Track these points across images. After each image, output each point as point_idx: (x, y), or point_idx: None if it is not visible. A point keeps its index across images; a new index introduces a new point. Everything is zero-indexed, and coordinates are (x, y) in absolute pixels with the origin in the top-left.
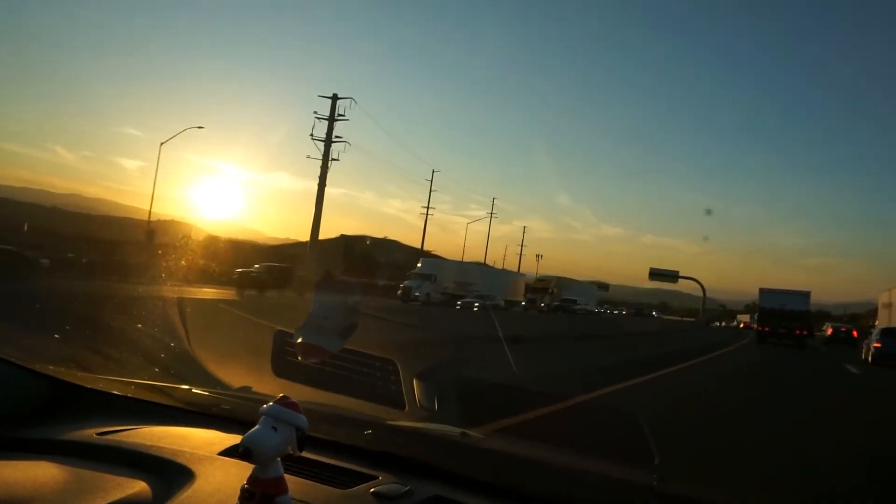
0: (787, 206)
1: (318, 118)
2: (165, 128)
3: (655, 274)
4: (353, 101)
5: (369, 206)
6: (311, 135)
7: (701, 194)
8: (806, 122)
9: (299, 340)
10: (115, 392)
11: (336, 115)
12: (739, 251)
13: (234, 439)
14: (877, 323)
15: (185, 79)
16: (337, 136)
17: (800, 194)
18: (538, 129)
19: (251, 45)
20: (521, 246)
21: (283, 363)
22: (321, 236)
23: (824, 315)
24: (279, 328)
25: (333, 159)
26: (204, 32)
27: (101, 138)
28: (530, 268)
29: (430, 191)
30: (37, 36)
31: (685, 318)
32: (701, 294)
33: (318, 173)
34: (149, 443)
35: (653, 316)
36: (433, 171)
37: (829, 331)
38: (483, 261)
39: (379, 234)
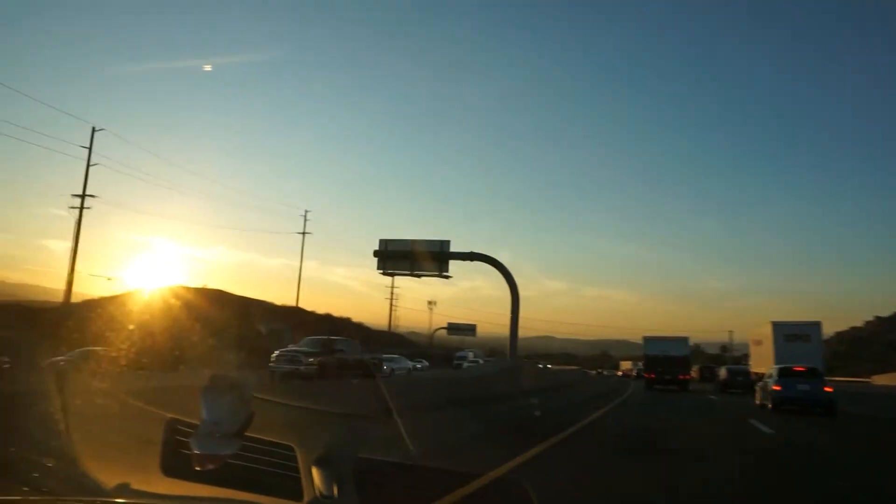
0: (712, 252)
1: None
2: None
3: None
4: None
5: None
6: None
7: (637, 245)
8: (724, 173)
9: (195, 451)
10: None
11: None
12: (673, 298)
13: None
14: (750, 363)
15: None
16: None
17: (723, 240)
18: (477, 187)
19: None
20: (391, 298)
21: (174, 458)
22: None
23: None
24: (171, 416)
25: None
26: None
27: (23, 221)
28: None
29: (303, 237)
30: None
31: (566, 367)
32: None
33: None
34: None
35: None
36: (305, 212)
37: (724, 374)
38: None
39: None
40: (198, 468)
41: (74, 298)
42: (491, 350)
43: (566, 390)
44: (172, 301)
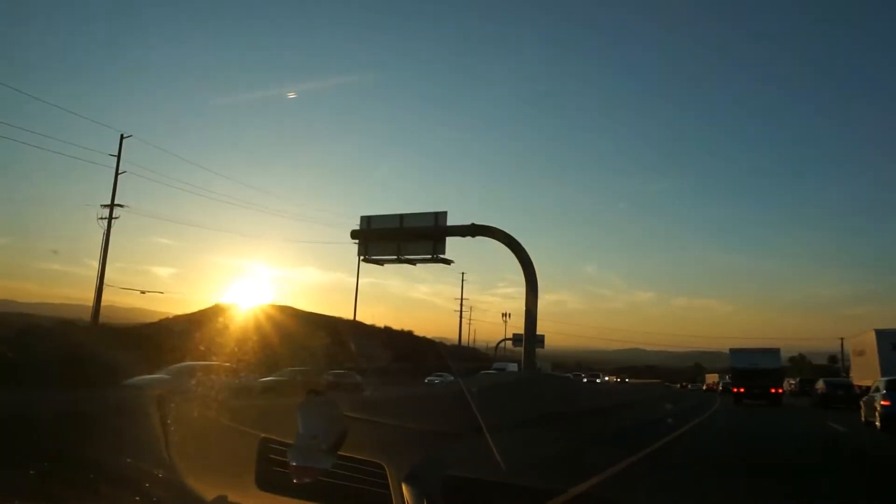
0: (816, 257)
1: None
2: (194, 235)
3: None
4: None
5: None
6: None
7: (728, 253)
8: (833, 170)
9: (293, 463)
10: None
11: None
12: (775, 306)
13: None
14: (851, 375)
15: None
16: None
17: (830, 244)
18: (559, 203)
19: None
20: (461, 309)
21: (268, 473)
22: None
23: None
24: (263, 435)
25: None
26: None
27: (132, 249)
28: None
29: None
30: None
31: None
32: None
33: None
34: None
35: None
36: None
37: (822, 387)
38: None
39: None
40: (295, 481)
41: (117, 314)
42: (557, 364)
43: (621, 412)
44: (260, 317)
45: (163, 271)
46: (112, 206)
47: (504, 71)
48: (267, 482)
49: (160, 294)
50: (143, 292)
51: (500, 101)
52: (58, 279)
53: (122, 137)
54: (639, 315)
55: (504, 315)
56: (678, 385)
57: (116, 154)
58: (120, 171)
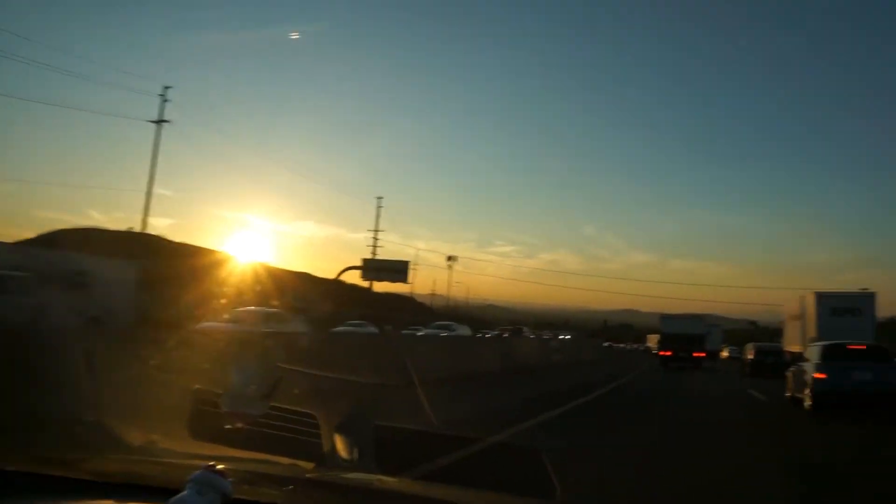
0: (811, 222)
1: None
2: (192, 187)
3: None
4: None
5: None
6: None
7: (721, 215)
8: (825, 130)
9: (224, 409)
10: (11, 469)
11: None
12: (772, 270)
13: None
14: (783, 341)
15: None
16: None
17: (826, 208)
18: (559, 164)
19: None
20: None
21: (201, 424)
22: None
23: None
24: (197, 386)
25: None
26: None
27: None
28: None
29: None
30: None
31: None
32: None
33: None
34: None
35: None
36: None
37: (752, 353)
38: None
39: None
40: (227, 426)
41: None
42: (516, 324)
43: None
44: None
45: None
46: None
47: (494, 24)
48: (200, 431)
49: None
50: None
51: (492, 53)
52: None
53: None
54: (635, 276)
55: (449, 258)
56: (622, 344)
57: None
58: None
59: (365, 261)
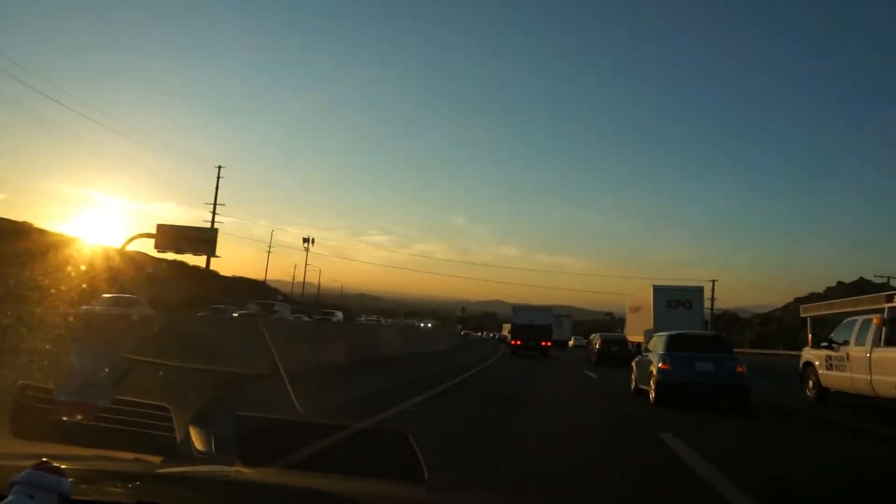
0: (663, 220)
1: None
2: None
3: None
4: None
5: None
6: None
7: (584, 213)
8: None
9: (60, 399)
10: None
11: None
12: (630, 266)
13: None
14: (625, 331)
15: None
16: None
17: (681, 206)
18: (431, 155)
19: None
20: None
21: (29, 422)
22: None
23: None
24: (22, 382)
25: None
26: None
27: None
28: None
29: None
30: None
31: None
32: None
33: None
34: None
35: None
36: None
37: (598, 343)
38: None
39: None
40: (64, 418)
41: None
42: (353, 309)
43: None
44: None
45: None
46: None
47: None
48: (28, 431)
49: None
50: None
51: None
52: None
53: None
54: (502, 269)
55: (305, 241)
56: (479, 333)
57: None
58: None
59: (160, 227)
